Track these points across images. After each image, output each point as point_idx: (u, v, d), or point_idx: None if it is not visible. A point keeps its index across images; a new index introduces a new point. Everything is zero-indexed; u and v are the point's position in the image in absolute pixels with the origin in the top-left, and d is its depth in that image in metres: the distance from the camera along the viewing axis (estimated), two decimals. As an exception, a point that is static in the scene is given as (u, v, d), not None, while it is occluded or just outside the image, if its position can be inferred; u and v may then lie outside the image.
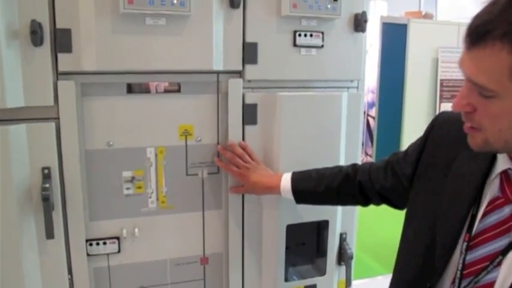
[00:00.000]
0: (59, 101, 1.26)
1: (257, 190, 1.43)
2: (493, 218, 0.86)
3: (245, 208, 1.50)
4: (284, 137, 1.45)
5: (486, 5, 0.76)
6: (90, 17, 1.23)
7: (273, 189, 1.40)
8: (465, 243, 0.89)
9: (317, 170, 1.39)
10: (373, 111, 6.29)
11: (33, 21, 1.17)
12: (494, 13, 0.73)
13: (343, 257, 1.61)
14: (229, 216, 1.49)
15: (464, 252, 0.89)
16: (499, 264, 0.84)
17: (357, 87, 1.60)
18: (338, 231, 1.60)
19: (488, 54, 0.74)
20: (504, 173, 0.87)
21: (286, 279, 1.56)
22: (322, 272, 1.61)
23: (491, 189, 0.89)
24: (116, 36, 1.26)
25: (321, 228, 1.60)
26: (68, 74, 1.26)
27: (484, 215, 0.88)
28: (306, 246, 1.63)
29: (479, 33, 0.74)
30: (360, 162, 1.47)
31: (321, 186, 1.34)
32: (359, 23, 1.50)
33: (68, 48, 1.23)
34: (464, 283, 0.89)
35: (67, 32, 1.23)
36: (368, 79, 7.28)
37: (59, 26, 1.22)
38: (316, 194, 1.36)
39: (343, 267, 1.63)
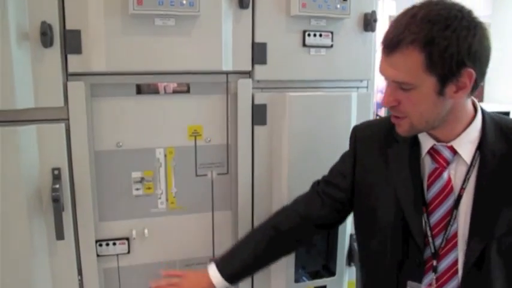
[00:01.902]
0: (68, 102, 1.26)
1: None
2: (438, 185, 1.07)
3: (255, 209, 1.49)
4: (293, 137, 1.44)
5: (392, 23, 0.99)
6: (99, 18, 1.24)
7: None
8: (425, 214, 1.09)
9: (237, 244, 1.35)
10: (382, 112, 6.25)
11: (43, 22, 1.17)
12: (401, 27, 0.96)
13: (353, 258, 1.60)
14: (239, 217, 1.48)
15: (427, 220, 1.08)
16: (456, 216, 1.06)
17: (367, 87, 1.59)
18: (348, 232, 1.59)
19: (404, 57, 0.96)
20: (432, 149, 1.09)
21: (296, 280, 1.56)
22: (332, 273, 1.61)
23: (426, 166, 1.10)
24: (125, 37, 1.26)
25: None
26: (77, 75, 1.27)
27: (430, 185, 1.08)
28: (316, 247, 1.62)
29: (394, 43, 0.96)
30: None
31: (250, 259, 1.31)
32: (368, 22, 1.50)
33: (77, 50, 1.24)
34: (437, 241, 1.07)
35: (77, 33, 1.23)
36: (377, 79, 7.23)
37: (68, 27, 1.22)
38: (248, 267, 1.33)
39: (353, 268, 1.62)
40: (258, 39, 1.40)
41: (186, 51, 1.32)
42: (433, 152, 1.09)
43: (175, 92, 1.40)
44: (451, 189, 1.06)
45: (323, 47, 1.46)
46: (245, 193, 1.47)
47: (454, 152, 1.06)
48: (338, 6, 1.42)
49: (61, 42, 1.22)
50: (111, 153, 1.37)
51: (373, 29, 1.51)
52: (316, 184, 1.32)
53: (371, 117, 1.58)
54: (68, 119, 1.27)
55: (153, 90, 1.39)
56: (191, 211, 1.47)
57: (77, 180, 1.30)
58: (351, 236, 1.59)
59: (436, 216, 1.07)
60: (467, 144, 1.06)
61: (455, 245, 1.06)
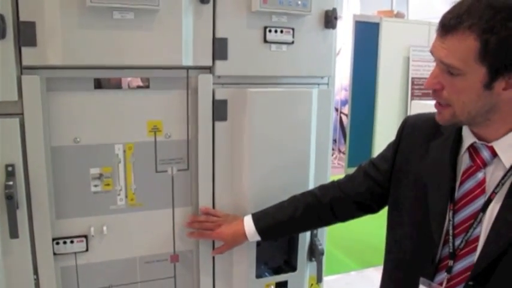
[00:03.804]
0: (23, 96, 1.23)
1: (239, 239, 1.43)
2: (470, 184, 1.05)
3: (215, 205, 1.49)
4: (254, 133, 1.44)
5: (455, 5, 0.95)
6: (55, 10, 1.20)
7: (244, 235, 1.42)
8: (451, 211, 1.06)
9: (277, 204, 1.42)
10: (347, 109, 6.35)
11: (-6, 13, 1.14)
12: (463, 9, 0.92)
13: (314, 253, 1.62)
14: (200, 213, 1.48)
15: (451, 219, 1.06)
16: (481, 220, 1.02)
17: (327, 84, 1.61)
18: (309, 227, 1.60)
19: (459, 40, 0.92)
20: (471, 146, 1.05)
21: (258, 276, 1.56)
22: (293, 268, 1.62)
23: (463, 163, 1.07)
24: (82, 30, 1.24)
25: (292, 224, 1.60)
26: (32, 68, 1.23)
27: (462, 183, 1.06)
28: (278, 242, 1.63)
29: (452, 24, 0.93)
30: (330, 159, 1.48)
31: (285, 219, 1.38)
32: (329, 19, 1.51)
33: (32, 42, 1.20)
34: (457, 241, 1.05)
35: (31, 25, 1.19)
36: (341, 77, 7.35)
37: (22, 18, 1.18)
38: (281, 227, 1.40)
39: (315, 263, 1.64)
40: (218, 35, 1.40)
41: (145, 46, 1.30)
42: (472, 150, 1.05)
43: (134, 87, 1.38)
44: (483, 191, 1.02)
45: (284, 43, 1.47)
46: (206, 189, 1.46)
47: (494, 153, 1.02)
48: (299, 2, 1.43)
49: (14, 34, 1.18)
50: (69, 149, 1.34)
51: (333, 26, 1.52)
52: (363, 164, 1.35)
53: (332, 113, 1.60)
54: (23, 114, 1.24)
55: (113, 84, 1.36)
56: (151, 207, 1.45)
57: (32, 177, 1.27)
58: (312, 231, 1.61)
59: (460, 216, 1.05)
60: (510, 147, 1.00)
61: (474, 249, 1.02)
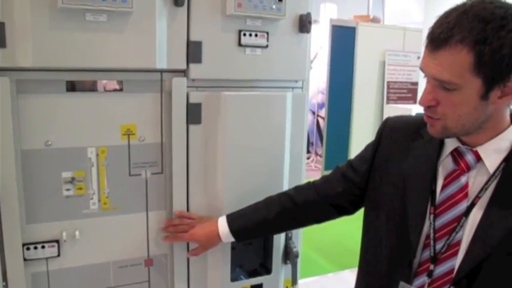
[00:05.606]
0: (-9, 98, 1.20)
1: (213, 240, 1.42)
2: (453, 187, 1.05)
3: (189, 208, 1.48)
4: (228, 137, 1.44)
5: (440, 18, 0.95)
6: (25, 10, 1.18)
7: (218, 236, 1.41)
8: (432, 215, 1.06)
9: (252, 205, 1.41)
10: (323, 112, 6.40)
11: (-39, 13, 1.11)
12: (451, 23, 0.91)
13: (289, 255, 1.62)
14: (174, 216, 1.47)
15: (432, 222, 1.06)
16: (463, 224, 1.02)
17: (302, 87, 1.62)
18: (284, 230, 1.61)
19: (451, 54, 0.91)
20: (455, 150, 1.06)
21: (233, 279, 1.56)
22: (268, 271, 1.62)
23: (444, 167, 1.08)
24: (53, 31, 1.22)
25: (267, 227, 1.61)
26: (1, 70, 1.21)
27: (444, 186, 1.06)
28: (253, 245, 1.63)
29: (442, 38, 0.92)
30: (305, 162, 1.49)
31: (259, 220, 1.38)
32: (304, 24, 1.52)
33: (1, 43, 1.18)
34: (438, 245, 1.05)
35: (0, 26, 1.17)
36: (318, 80, 7.41)
37: (-9, 19, 1.16)
38: (255, 228, 1.40)
39: (289, 266, 1.64)
40: (193, 38, 1.39)
41: (118, 48, 1.29)
42: (455, 154, 1.06)
43: (107, 90, 1.37)
44: (465, 195, 1.03)
45: (258, 46, 1.47)
46: (180, 192, 1.46)
47: (478, 158, 1.02)
48: (273, 7, 1.44)
49: (-18, 35, 1.16)
50: (40, 152, 1.31)
51: (308, 31, 1.53)
52: (340, 165, 1.34)
53: (306, 117, 1.61)
54: (-9, 117, 1.22)
55: (87, 87, 1.34)
56: (125, 211, 1.43)
57: (1, 181, 1.24)
58: (287, 234, 1.62)
59: (442, 220, 1.05)
60: (493, 152, 1.01)
61: (455, 253, 1.03)
